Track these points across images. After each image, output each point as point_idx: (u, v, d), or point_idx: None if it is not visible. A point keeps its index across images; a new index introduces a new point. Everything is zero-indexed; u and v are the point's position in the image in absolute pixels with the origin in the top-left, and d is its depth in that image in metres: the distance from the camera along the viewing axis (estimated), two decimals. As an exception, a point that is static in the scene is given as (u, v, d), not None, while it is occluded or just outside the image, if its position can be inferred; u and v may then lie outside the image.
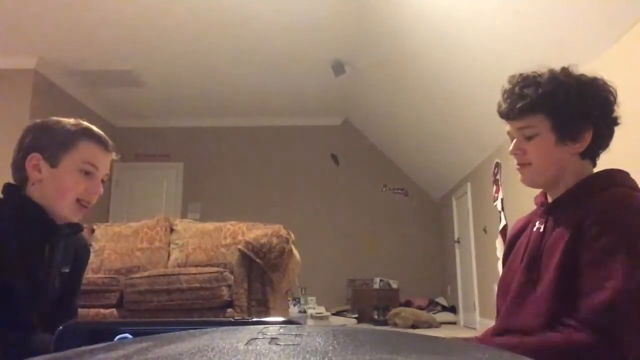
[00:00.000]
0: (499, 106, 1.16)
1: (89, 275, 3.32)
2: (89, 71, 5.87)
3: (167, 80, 6.23)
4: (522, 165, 1.15)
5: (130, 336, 0.56)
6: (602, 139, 1.10)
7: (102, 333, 0.56)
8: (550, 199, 1.17)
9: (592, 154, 1.11)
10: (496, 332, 1.13)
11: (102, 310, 3.00)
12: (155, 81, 6.22)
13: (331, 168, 7.58)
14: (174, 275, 3.06)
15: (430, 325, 5.82)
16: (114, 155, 1.31)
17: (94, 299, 3.03)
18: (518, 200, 4.35)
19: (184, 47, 5.38)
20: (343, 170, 7.56)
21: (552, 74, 1.10)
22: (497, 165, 4.92)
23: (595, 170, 1.14)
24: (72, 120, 1.26)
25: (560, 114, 1.07)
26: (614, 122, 1.11)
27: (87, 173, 1.23)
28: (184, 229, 3.65)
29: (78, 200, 1.23)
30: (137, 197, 7.30)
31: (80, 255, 1.38)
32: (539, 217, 1.16)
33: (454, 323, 6.38)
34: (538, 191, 1.24)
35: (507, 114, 1.14)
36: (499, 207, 4.82)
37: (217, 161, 7.54)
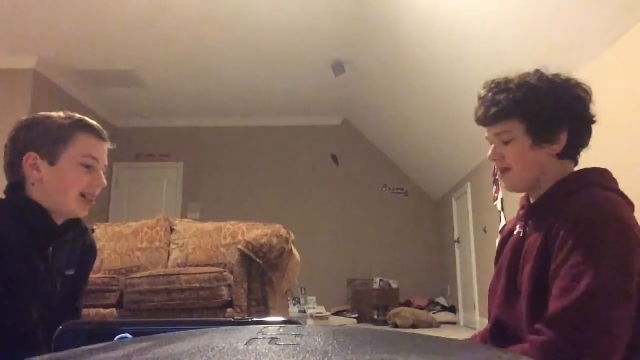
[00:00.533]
0: (476, 113, 1.18)
1: (89, 275, 3.32)
2: (89, 71, 5.87)
3: (167, 80, 6.24)
4: (502, 171, 1.16)
5: (130, 336, 0.56)
6: (579, 138, 1.11)
7: (102, 333, 0.56)
8: (531, 200, 1.17)
9: (570, 153, 1.12)
10: (489, 334, 1.15)
11: (102, 310, 3.00)
12: (155, 81, 6.22)
13: (331, 168, 7.58)
14: (174, 275, 3.06)
15: (430, 325, 5.82)
16: (110, 145, 1.28)
17: (94, 299, 3.03)
18: (518, 200, 4.34)
19: (184, 47, 5.38)
20: (343, 170, 7.56)
21: (522, 79, 1.12)
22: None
23: (577, 168, 1.14)
24: (62, 114, 1.23)
25: (533, 117, 1.08)
26: (590, 120, 1.11)
27: (88, 167, 1.20)
28: (184, 229, 3.65)
29: (83, 195, 1.20)
30: (137, 197, 7.30)
31: (86, 256, 1.35)
32: (520, 220, 1.17)
33: (454, 323, 6.37)
34: None
35: (482, 121, 1.16)
36: (499, 207, 4.82)
37: (217, 161, 7.54)
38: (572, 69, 1.16)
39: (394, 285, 6.84)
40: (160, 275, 3.08)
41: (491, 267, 4.77)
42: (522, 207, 1.19)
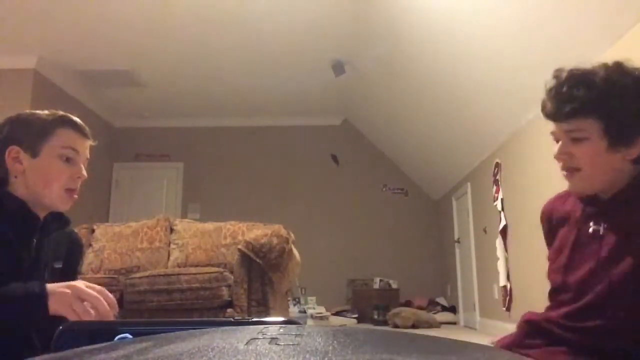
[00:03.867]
0: (544, 105, 1.06)
1: (89, 275, 3.32)
2: (89, 71, 5.87)
3: (167, 80, 6.24)
4: (569, 171, 1.05)
5: (130, 336, 0.56)
6: None
7: (102, 333, 0.56)
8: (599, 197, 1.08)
9: None
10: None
11: (102, 310, 3.00)
12: (155, 81, 6.22)
13: (331, 168, 7.58)
14: (174, 275, 3.06)
15: (430, 325, 5.82)
16: (91, 142, 1.30)
17: (94, 299, 3.02)
18: (518, 200, 4.35)
19: (184, 47, 5.38)
20: (343, 170, 7.56)
21: (607, 73, 1.00)
22: (497, 165, 4.92)
23: None
24: (47, 112, 1.26)
25: (613, 118, 0.98)
26: None
27: (68, 159, 1.22)
28: (184, 229, 3.65)
29: (65, 189, 1.22)
30: (137, 197, 7.30)
31: (72, 251, 1.37)
32: (591, 217, 1.07)
33: (454, 323, 6.38)
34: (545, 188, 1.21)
35: (553, 115, 1.04)
36: (499, 207, 4.82)
37: (217, 161, 7.54)
38: (627, 63, 1.09)
39: (394, 285, 6.84)
40: (160, 275, 3.08)
41: (491, 267, 4.75)
42: (590, 202, 1.08)
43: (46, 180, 1.20)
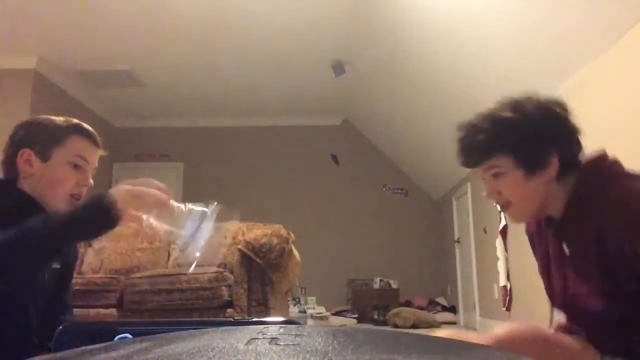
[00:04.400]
0: (458, 157, 1.16)
1: (89, 275, 3.32)
2: (89, 71, 5.87)
3: (167, 80, 6.23)
4: (504, 206, 1.13)
5: (130, 336, 0.56)
6: (570, 154, 1.08)
7: (102, 333, 0.56)
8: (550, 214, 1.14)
9: (567, 170, 1.07)
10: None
11: (102, 310, 3.00)
12: (155, 81, 6.22)
13: (331, 168, 7.58)
14: (174, 275, 3.06)
15: (430, 325, 5.82)
16: (102, 151, 1.33)
17: (94, 299, 3.03)
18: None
19: (184, 47, 5.38)
20: (343, 170, 7.56)
21: (494, 114, 1.09)
22: (497, 165, 4.91)
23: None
24: (61, 118, 1.29)
25: (517, 149, 1.06)
26: (575, 133, 1.08)
27: (77, 166, 1.25)
28: (184, 229, 3.64)
29: (70, 195, 1.25)
30: (137, 197, 7.29)
31: (69, 252, 1.38)
32: (554, 235, 1.13)
33: (454, 323, 6.37)
34: None
35: (467, 164, 1.14)
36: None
37: (217, 161, 7.54)
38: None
39: (394, 285, 6.84)
40: (160, 275, 3.08)
41: (491, 267, 4.74)
42: (546, 222, 1.15)
43: (53, 185, 1.22)
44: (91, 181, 1.29)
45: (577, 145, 1.09)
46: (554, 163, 1.06)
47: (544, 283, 1.21)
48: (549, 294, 1.18)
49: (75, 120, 1.30)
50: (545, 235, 1.17)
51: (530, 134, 1.06)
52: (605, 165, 1.06)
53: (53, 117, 1.28)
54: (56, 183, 1.23)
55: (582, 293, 1.04)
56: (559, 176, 1.07)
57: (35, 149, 1.22)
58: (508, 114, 1.07)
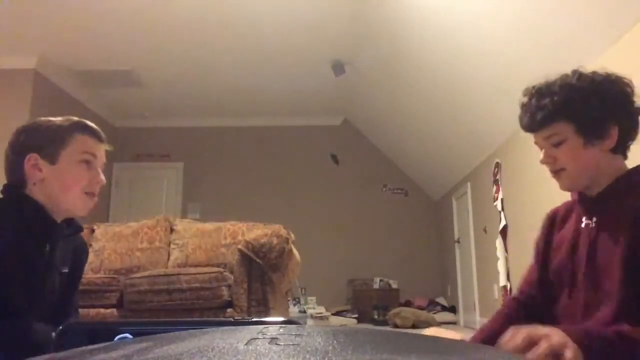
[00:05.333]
0: (520, 120, 1.19)
1: (89, 275, 3.32)
2: (89, 71, 5.87)
3: (167, 80, 6.24)
4: (556, 172, 1.16)
5: (130, 336, 0.56)
6: (629, 131, 1.11)
7: (102, 333, 0.56)
8: (587, 193, 1.17)
9: (622, 148, 1.13)
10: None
11: (102, 310, 3.00)
12: (155, 81, 6.22)
13: (331, 168, 7.58)
14: (174, 275, 3.06)
15: (430, 325, 5.82)
16: (107, 146, 1.33)
17: (94, 299, 3.03)
18: (518, 200, 4.35)
19: (184, 47, 5.38)
20: (343, 170, 7.56)
21: (564, 80, 1.13)
22: (497, 165, 4.92)
23: (627, 162, 1.15)
24: (61, 118, 1.27)
25: (581, 116, 1.09)
26: (637, 112, 1.12)
27: (87, 162, 1.24)
28: (184, 229, 3.65)
29: (85, 193, 1.24)
30: (137, 197, 7.30)
31: (78, 255, 1.38)
32: (583, 213, 1.16)
33: (454, 323, 6.37)
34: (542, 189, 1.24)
35: (530, 127, 1.17)
36: (499, 207, 4.82)
37: (217, 161, 7.54)
38: (571, 69, 1.17)
39: (394, 285, 6.84)
40: (160, 275, 3.08)
41: (491, 267, 4.74)
42: (581, 200, 1.18)
43: (66, 186, 1.21)
44: (103, 177, 1.28)
45: (635, 125, 1.12)
46: (613, 135, 1.09)
47: (545, 265, 1.22)
48: (556, 276, 1.19)
49: (76, 118, 1.28)
50: (575, 216, 1.19)
51: (597, 103, 1.08)
52: None
53: (52, 118, 1.26)
54: (69, 184, 1.21)
55: (608, 264, 1.05)
56: (613, 151, 1.11)
57: (42, 152, 1.20)
58: (577, 82, 1.11)
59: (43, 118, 1.27)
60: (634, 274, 1.00)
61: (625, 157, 1.15)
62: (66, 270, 1.30)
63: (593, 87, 1.10)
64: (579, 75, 1.12)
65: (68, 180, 1.21)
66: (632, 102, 1.11)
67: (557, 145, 1.13)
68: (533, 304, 1.26)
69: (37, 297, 1.18)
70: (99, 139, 1.29)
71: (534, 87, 1.16)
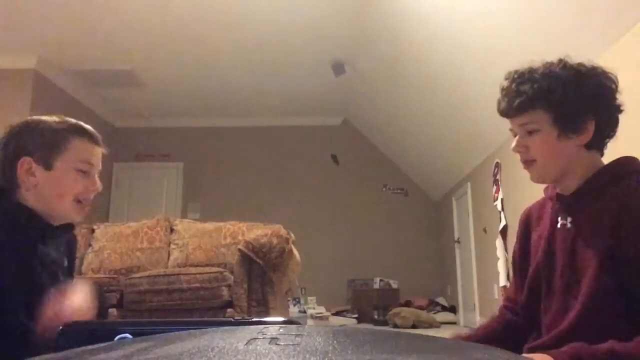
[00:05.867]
0: (499, 104, 1.15)
1: (89, 275, 3.32)
2: (89, 71, 5.87)
3: (167, 80, 6.23)
4: (527, 163, 1.13)
5: (130, 336, 0.56)
6: (606, 128, 1.09)
7: (102, 333, 0.56)
8: (561, 191, 1.14)
9: (598, 144, 1.09)
10: (554, 338, 1.07)
11: (102, 310, 3.00)
12: (155, 81, 6.22)
13: (331, 168, 7.58)
14: (174, 275, 3.06)
15: (430, 325, 5.82)
16: (103, 149, 1.28)
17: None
18: (518, 200, 4.35)
19: (184, 47, 5.38)
20: (343, 170, 7.56)
21: (547, 68, 1.09)
22: (497, 165, 4.92)
23: (603, 159, 1.12)
24: (56, 118, 1.22)
25: (559, 107, 1.06)
26: (616, 110, 1.09)
27: (83, 172, 1.21)
28: (184, 229, 3.65)
29: (78, 200, 1.21)
30: (137, 197, 7.30)
31: (71, 249, 1.37)
32: (560, 212, 1.12)
33: (454, 323, 6.37)
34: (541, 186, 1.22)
35: (506, 112, 1.13)
36: (499, 207, 4.82)
37: (217, 161, 7.54)
38: (568, 59, 1.15)
39: (394, 285, 6.84)
40: (160, 275, 3.08)
41: (491, 267, 4.74)
42: (556, 198, 1.14)
43: (60, 193, 1.18)
44: (99, 185, 1.25)
45: (614, 123, 1.09)
46: (590, 130, 1.06)
47: (522, 268, 1.20)
48: (531, 280, 1.16)
49: (73, 120, 1.24)
50: (549, 214, 1.16)
51: (577, 94, 1.05)
52: (635, 161, 1.08)
53: (46, 119, 1.21)
54: (63, 191, 1.18)
55: (585, 268, 1.03)
56: (587, 146, 1.08)
57: (35, 156, 1.16)
58: (561, 71, 1.07)
59: (36, 117, 1.21)
60: (609, 277, 0.98)
61: (601, 153, 1.12)
62: (66, 264, 1.30)
63: (576, 78, 1.06)
64: (564, 64, 1.09)
65: (63, 187, 1.18)
66: (614, 98, 1.08)
67: (531, 133, 1.09)
68: (518, 312, 1.23)
69: (33, 297, 1.16)
70: (95, 142, 1.25)
71: (516, 71, 1.13)
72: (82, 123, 1.25)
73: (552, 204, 1.16)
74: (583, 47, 3.10)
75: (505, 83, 1.14)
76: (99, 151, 1.26)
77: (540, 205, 1.24)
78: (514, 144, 1.13)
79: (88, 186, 1.22)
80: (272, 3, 4.60)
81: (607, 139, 1.10)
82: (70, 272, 1.34)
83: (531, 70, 1.10)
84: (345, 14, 4.80)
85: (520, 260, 1.24)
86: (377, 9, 4.58)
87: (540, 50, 3.45)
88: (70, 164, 1.19)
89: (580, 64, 1.09)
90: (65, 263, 1.30)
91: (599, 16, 2.90)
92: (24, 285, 1.12)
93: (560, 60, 1.10)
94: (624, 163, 1.08)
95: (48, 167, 1.17)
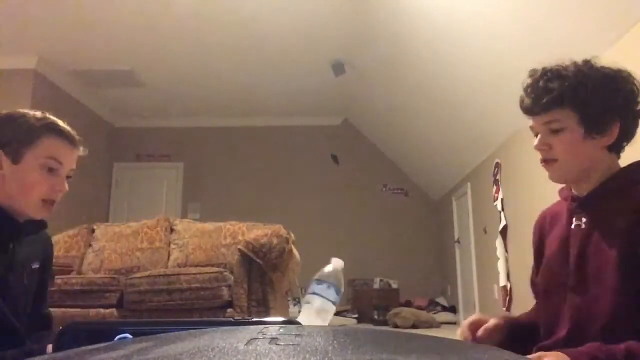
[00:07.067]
0: (522, 101, 1.12)
1: (89, 275, 3.32)
2: (89, 71, 5.87)
3: (167, 80, 6.24)
4: (548, 162, 1.10)
5: (130, 336, 0.56)
6: (629, 131, 1.08)
7: (102, 333, 0.56)
8: (576, 192, 1.13)
9: (618, 147, 1.09)
10: (561, 339, 1.06)
11: (102, 310, 3.00)
12: (155, 81, 6.22)
13: (331, 168, 7.58)
14: (174, 275, 3.06)
15: (430, 325, 5.82)
16: (81, 151, 1.25)
17: (94, 299, 3.03)
18: (518, 200, 4.35)
19: (184, 47, 5.38)
20: (343, 170, 7.56)
21: (577, 67, 1.07)
22: (497, 165, 4.92)
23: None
24: (37, 114, 1.20)
25: (587, 106, 1.04)
26: (639, 113, 1.08)
27: (50, 169, 1.18)
28: (184, 229, 3.65)
29: (44, 200, 1.18)
30: (137, 197, 7.30)
31: (47, 251, 1.35)
32: (575, 212, 1.11)
33: (454, 323, 6.37)
34: (547, 188, 1.22)
35: (531, 109, 1.10)
36: (499, 207, 4.82)
37: (217, 161, 7.54)
38: (595, 60, 1.14)
39: (394, 285, 6.84)
40: (160, 275, 3.08)
41: (491, 267, 4.73)
42: (572, 199, 1.13)
43: (24, 189, 1.15)
44: (66, 186, 1.21)
45: (636, 126, 1.09)
46: (614, 132, 1.05)
47: (541, 269, 1.19)
48: (545, 280, 1.16)
49: (51, 118, 1.21)
50: (564, 215, 1.15)
51: (605, 94, 1.04)
52: None
53: (28, 113, 1.20)
54: (27, 188, 1.15)
55: (600, 266, 1.01)
56: (609, 149, 1.07)
57: (6, 149, 1.14)
58: (590, 71, 1.06)
59: (20, 111, 1.20)
60: (629, 281, 0.96)
61: (618, 156, 1.12)
62: (37, 266, 1.27)
63: (605, 80, 1.05)
64: (590, 65, 1.07)
65: (27, 183, 1.15)
66: (637, 102, 1.07)
67: (556, 132, 1.07)
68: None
69: (3, 297, 1.14)
70: (70, 143, 1.21)
71: (543, 68, 1.09)
72: (61, 122, 1.23)
73: (567, 204, 1.15)
74: (583, 47, 3.10)
75: (531, 80, 1.11)
76: (72, 152, 1.23)
77: (555, 208, 1.23)
78: (536, 142, 1.11)
79: (54, 185, 1.18)
80: (272, 3, 4.60)
81: (626, 143, 1.10)
82: (41, 276, 1.31)
83: (560, 68, 1.08)
84: (345, 14, 4.80)
85: (537, 262, 1.24)
86: (377, 9, 4.58)
87: (540, 50, 3.46)
88: (38, 159, 1.16)
89: (605, 67, 1.08)
90: (37, 265, 1.27)
91: (599, 16, 2.90)
92: None
93: (587, 61, 1.08)
94: (637, 167, 1.08)
95: (16, 160, 1.15)
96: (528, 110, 1.11)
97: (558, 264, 1.12)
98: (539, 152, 1.12)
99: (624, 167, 1.09)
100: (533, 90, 1.09)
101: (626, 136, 1.08)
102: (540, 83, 1.08)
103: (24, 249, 1.23)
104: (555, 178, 1.12)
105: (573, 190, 1.14)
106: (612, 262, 0.98)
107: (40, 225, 1.27)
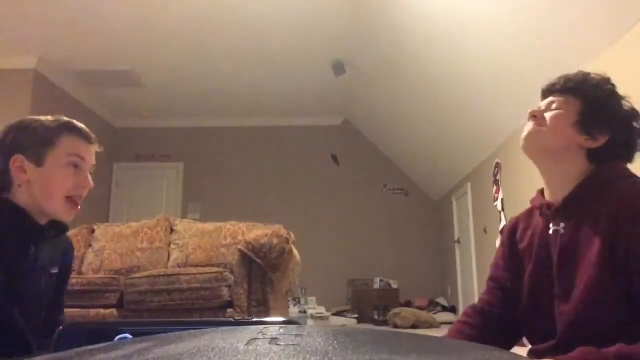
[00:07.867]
0: (546, 83, 1.20)
1: (89, 275, 3.32)
2: (89, 71, 5.87)
3: (167, 80, 6.24)
4: (534, 125, 1.16)
5: (130, 336, 0.56)
6: (617, 147, 1.11)
7: (102, 333, 0.56)
8: (551, 199, 1.15)
9: (598, 158, 1.11)
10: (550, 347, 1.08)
11: (102, 310, 3.00)
12: (155, 81, 6.22)
13: (331, 168, 7.58)
14: (174, 275, 3.06)
15: (430, 325, 5.82)
16: (97, 147, 1.28)
17: (94, 299, 3.03)
18: (518, 200, 4.35)
19: (184, 47, 5.38)
20: (343, 170, 7.56)
21: (601, 76, 1.16)
22: (497, 165, 4.92)
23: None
24: (50, 117, 1.23)
25: (591, 104, 1.11)
26: (633, 137, 1.12)
27: (74, 166, 1.20)
28: (184, 229, 3.65)
29: (68, 197, 1.20)
30: (137, 197, 7.30)
31: (67, 255, 1.36)
32: (550, 219, 1.13)
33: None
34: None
35: (551, 85, 1.18)
36: (499, 207, 4.82)
37: (217, 161, 7.54)
38: (572, 69, 1.18)
39: (394, 285, 6.84)
40: (160, 275, 3.08)
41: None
42: (547, 206, 1.16)
43: (50, 189, 1.17)
44: (91, 181, 1.24)
45: (627, 145, 1.13)
46: (599, 141, 1.09)
47: (514, 278, 1.20)
48: (524, 286, 1.17)
49: (65, 118, 1.24)
50: (538, 223, 1.18)
51: (608, 105, 1.11)
52: (622, 165, 1.12)
53: (41, 118, 1.22)
54: (54, 187, 1.17)
55: (584, 270, 1.03)
56: (589, 155, 1.11)
57: (27, 153, 1.16)
58: (607, 83, 1.14)
59: (32, 117, 1.23)
60: (607, 279, 0.98)
61: (599, 170, 1.14)
62: (56, 271, 1.28)
63: (615, 95, 1.13)
64: (608, 79, 1.16)
65: (53, 183, 1.17)
66: (631, 125, 1.12)
67: (554, 110, 1.14)
68: (494, 313, 1.24)
69: (21, 299, 1.15)
70: (87, 140, 1.24)
71: (579, 70, 1.20)
72: (74, 121, 1.25)
73: (540, 212, 1.18)
74: (583, 46, 3.10)
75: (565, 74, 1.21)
76: (91, 148, 1.26)
77: (527, 215, 1.26)
78: (535, 108, 1.18)
79: (79, 182, 1.21)
80: (272, 3, 4.60)
81: (610, 158, 1.12)
82: (60, 281, 1.32)
83: (579, 73, 1.17)
84: (345, 14, 4.80)
85: (503, 268, 1.25)
86: (377, 9, 4.58)
87: (540, 50, 3.47)
88: (61, 159, 1.19)
89: (624, 97, 1.16)
90: (55, 270, 1.28)
91: (599, 16, 2.90)
92: (10, 283, 1.11)
93: (605, 77, 1.17)
94: (615, 168, 1.10)
95: (39, 163, 1.17)
96: (548, 86, 1.19)
97: (542, 272, 1.13)
98: (530, 117, 1.17)
99: (597, 169, 1.11)
100: (562, 76, 1.18)
101: (612, 152, 1.11)
102: (570, 75, 1.17)
103: (44, 252, 1.23)
104: (527, 143, 1.17)
105: (547, 198, 1.17)
106: (595, 263, 1.00)
107: (62, 228, 1.28)
